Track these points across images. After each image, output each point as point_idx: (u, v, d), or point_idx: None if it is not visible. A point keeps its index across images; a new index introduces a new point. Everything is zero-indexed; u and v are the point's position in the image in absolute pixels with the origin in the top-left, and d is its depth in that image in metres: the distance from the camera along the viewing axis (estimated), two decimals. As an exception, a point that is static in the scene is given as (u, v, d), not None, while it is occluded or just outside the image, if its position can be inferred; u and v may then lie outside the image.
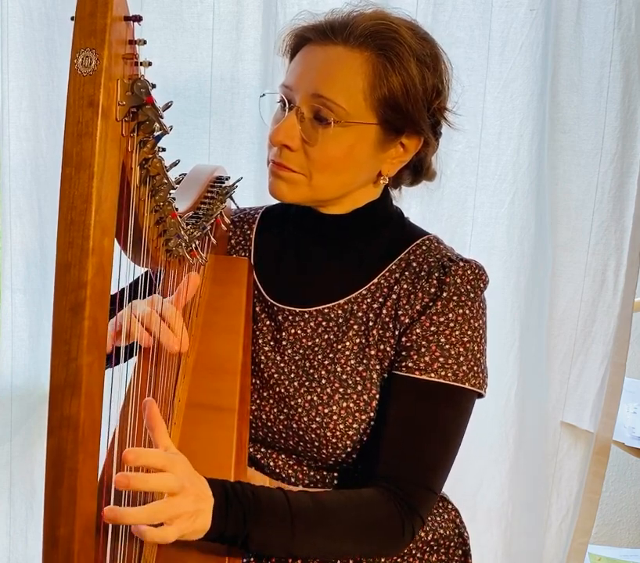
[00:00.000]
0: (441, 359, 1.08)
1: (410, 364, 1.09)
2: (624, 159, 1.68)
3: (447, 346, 1.09)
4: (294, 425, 1.11)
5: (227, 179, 1.25)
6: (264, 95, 1.22)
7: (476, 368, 1.10)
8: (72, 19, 0.65)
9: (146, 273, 1.21)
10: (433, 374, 1.08)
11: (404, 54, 1.08)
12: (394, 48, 1.07)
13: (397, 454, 1.06)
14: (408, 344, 1.10)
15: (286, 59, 1.18)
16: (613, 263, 1.72)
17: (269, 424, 1.14)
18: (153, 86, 0.72)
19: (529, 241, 1.75)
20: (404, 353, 1.10)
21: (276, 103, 1.15)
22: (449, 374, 1.08)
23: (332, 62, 1.09)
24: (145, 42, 0.71)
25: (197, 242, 1.09)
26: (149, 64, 0.71)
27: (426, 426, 1.07)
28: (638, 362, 2.09)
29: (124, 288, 0.97)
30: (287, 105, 1.10)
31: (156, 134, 0.77)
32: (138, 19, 0.69)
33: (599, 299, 1.74)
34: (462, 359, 1.09)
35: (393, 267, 1.16)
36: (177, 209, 0.96)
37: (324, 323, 1.15)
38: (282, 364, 1.15)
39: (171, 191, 0.90)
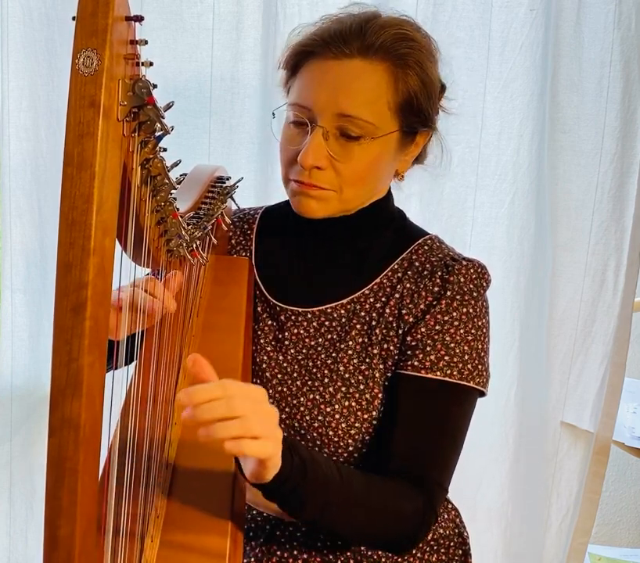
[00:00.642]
0: (446, 357, 1.09)
1: (415, 363, 1.09)
2: (624, 159, 1.68)
3: (452, 345, 1.09)
4: (296, 424, 1.11)
5: (228, 179, 1.25)
6: (274, 115, 1.16)
7: (480, 367, 1.10)
8: (73, 19, 0.65)
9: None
10: (438, 373, 1.08)
11: (423, 59, 1.09)
12: (414, 55, 1.08)
13: (407, 453, 1.06)
14: (413, 343, 1.10)
15: (284, 72, 1.15)
16: (613, 263, 1.72)
17: (270, 424, 1.14)
18: (154, 86, 0.72)
19: (529, 241, 1.75)
20: (409, 352, 1.10)
21: (287, 119, 1.12)
22: (455, 373, 1.08)
23: (352, 77, 1.07)
24: (146, 42, 0.70)
25: (198, 242, 1.09)
26: (151, 64, 0.71)
27: (434, 424, 1.07)
28: (638, 362, 2.09)
29: None
30: (309, 126, 1.08)
31: (157, 134, 0.77)
32: (139, 19, 0.69)
33: (599, 299, 1.74)
34: (466, 357, 1.09)
35: (396, 266, 1.16)
36: (178, 210, 0.96)
37: (327, 323, 1.16)
38: (284, 364, 1.15)
39: (172, 192, 0.90)
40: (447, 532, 1.20)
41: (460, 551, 1.21)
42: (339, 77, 1.07)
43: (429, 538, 1.17)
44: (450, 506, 1.24)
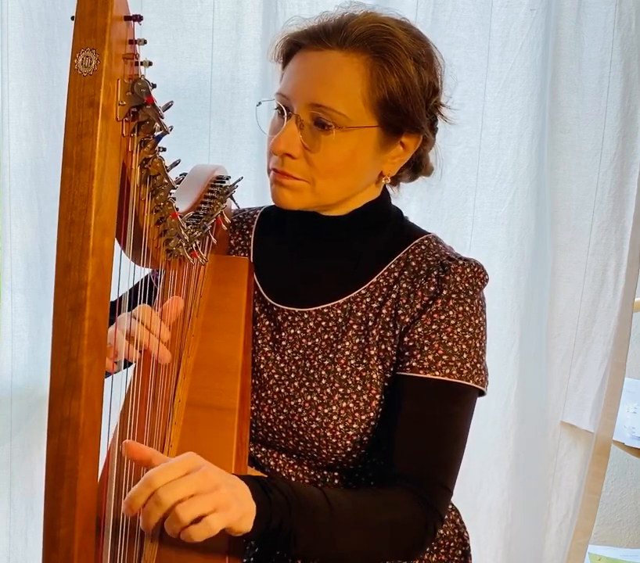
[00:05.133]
0: (445, 357, 1.08)
1: (414, 364, 1.09)
2: (624, 159, 1.68)
3: (450, 344, 1.09)
4: (294, 425, 1.11)
5: (227, 179, 1.25)
6: (260, 103, 1.20)
7: (478, 365, 1.10)
8: (72, 18, 0.65)
9: (146, 277, 1.21)
10: (437, 373, 1.08)
11: (401, 55, 1.07)
12: (391, 50, 1.07)
13: (410, 455, 1.06)
14: (411, 343, 1.10)
15: (279, 64, 1.16)
16: (613, 263, 1.72)
17: (269, 424, 1.14)
18: (154, 86, 0.72)
19: (529, 241, 1.75)
20: (406, 353, 1.10)
21: (273, 110, 1.13)
22: (454, 372, 1.08)
23: (328, 68, 1.07)
24: (145, 42, 0.71)
25: (198, 242, 1.09)
26: (150, 64, 0.71)
27: (436, 425, 1.07)
28: (638, 362, 2.09)
29: (122, 296, 0.97)
30: (285, 113, 1.09)
31: (156, 134, 0.77)
32: (138, 18, 0.69)
33: (599, 299, 1.74)
34: (465, 356, 1.09)
35: (392, 266, 1.16)
36: (177, 209, 0.96)
37: (323, 323, 1.15)
38: (282, 365, 1.15)
39: (172, 191, 0.90)
40: (448, 532, 1.20)
41: (460, 552, 1.21)
42: (316, 67, 1.08)
43: (430, 538, 1.17)
44: (450, 506, 1.23)
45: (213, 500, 0.81)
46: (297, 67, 1.11)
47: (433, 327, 1.10)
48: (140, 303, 1.07)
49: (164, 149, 0.82)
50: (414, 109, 1.09)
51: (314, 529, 0.91)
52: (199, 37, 1.65)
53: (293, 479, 1.15)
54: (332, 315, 1.15)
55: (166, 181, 0.87)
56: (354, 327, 1.14)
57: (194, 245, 1.07)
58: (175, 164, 0.89)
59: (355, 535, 0.95)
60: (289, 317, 1.17)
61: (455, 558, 1.20)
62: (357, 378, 1.11)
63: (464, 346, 1.09)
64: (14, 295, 1.70)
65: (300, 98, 1.08)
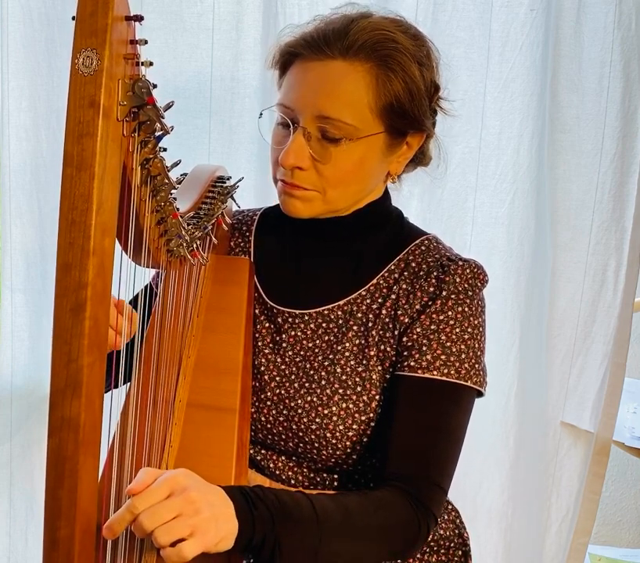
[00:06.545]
0: (443, 357, 1.08)
1: (412, 364, 1.09)
2: (624, 159, 1.68)
3: (448, 344, 1.09)
4: (294, 427, 1.11)
5: (228, 179, 1.25)
6: (261, 115, 1.18)
7: (477, 366, 1.10)
8: (73, 18, 0.65)
9: (147, 286, 1.21)
10: (435, 372, 1.08)
11: (406, 61, 1.07)
12: (396, 57, 1.06)
13: (405, 454, 1.06)
14: (409, 344, 1.10)
15: (276, 71, 1.15)
16: (613, 263, 1.72)
17: (269, 426, 1.14)
18: (154, 86, 0.72)
19: (529, 241, 1.75)
20: (405, 353, 1.10)
21: (275, 115, 1.12)
22: (452, 372, 1.08)
23: (333, 79, 1.06)
24: (146, 42, 0.71)
25: (198, 242, 1.09)
26: (151, 64, 0.71)
27: (432, 425, 1.07)
28: (638, 362, 2.09)
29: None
30: (291, 126, 1.08)
31: (157, 134, 0.77)
32: (139, 18, 0.69)
33: (599, 299, 1.74)
34: (463, 356, 1.09)
35: (392, 267, 1.16)
36: (178, 210, 0.96)
37: (324, 324, 1.15)
38: (282, 366, 1.15)
39: (172, 192, 0.90)
40: (448, 532, 1.20)
41: (460, 552, 1.21)
42: (319, 78, 1.07)
43: (429, 539, 1.17)
44: (450, 507, 1.23)
45: (192, 524, 0.81)
46: (300, 78, 1.09)
47: (432, 327, 1.10)
48: (140, 313, 1.07)
49: (165, 149, 0.82)
50: (420, 112, 1.09)
51: (300, 541, 0.91)
52: (199, 37, 1.65)
53: (292, 481, 1.15)
54: (332, 316, 1.15)
55: (166, 181, 0.87)
56: (354, 328, 1.14)
57: (195, 245, 1.07)
58: (176, 164, 0.88)
59: (344, 542, 0.95)
60: (290, 319, 1.17)
61: (455, 559, 1.20)
62: (357, 379, 1.11)
63: (462, 347, 1.09)
64: (14, 295, 1.71)
65: (306, 110, 1.07)
